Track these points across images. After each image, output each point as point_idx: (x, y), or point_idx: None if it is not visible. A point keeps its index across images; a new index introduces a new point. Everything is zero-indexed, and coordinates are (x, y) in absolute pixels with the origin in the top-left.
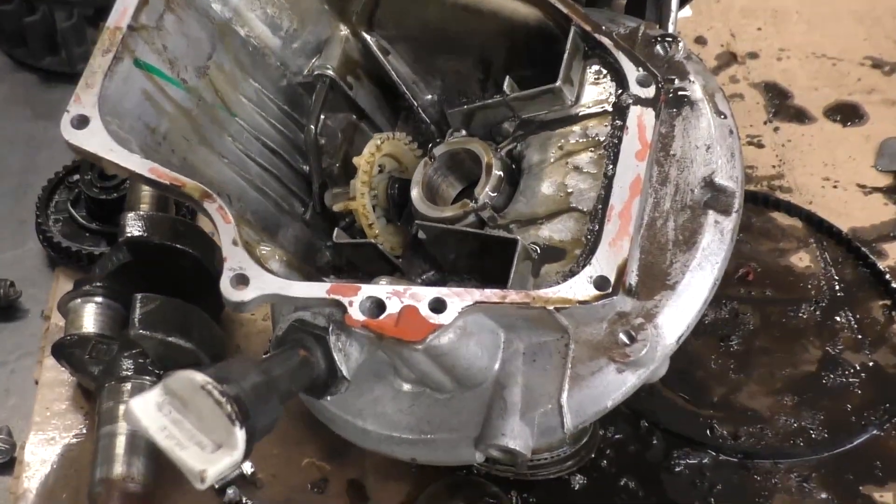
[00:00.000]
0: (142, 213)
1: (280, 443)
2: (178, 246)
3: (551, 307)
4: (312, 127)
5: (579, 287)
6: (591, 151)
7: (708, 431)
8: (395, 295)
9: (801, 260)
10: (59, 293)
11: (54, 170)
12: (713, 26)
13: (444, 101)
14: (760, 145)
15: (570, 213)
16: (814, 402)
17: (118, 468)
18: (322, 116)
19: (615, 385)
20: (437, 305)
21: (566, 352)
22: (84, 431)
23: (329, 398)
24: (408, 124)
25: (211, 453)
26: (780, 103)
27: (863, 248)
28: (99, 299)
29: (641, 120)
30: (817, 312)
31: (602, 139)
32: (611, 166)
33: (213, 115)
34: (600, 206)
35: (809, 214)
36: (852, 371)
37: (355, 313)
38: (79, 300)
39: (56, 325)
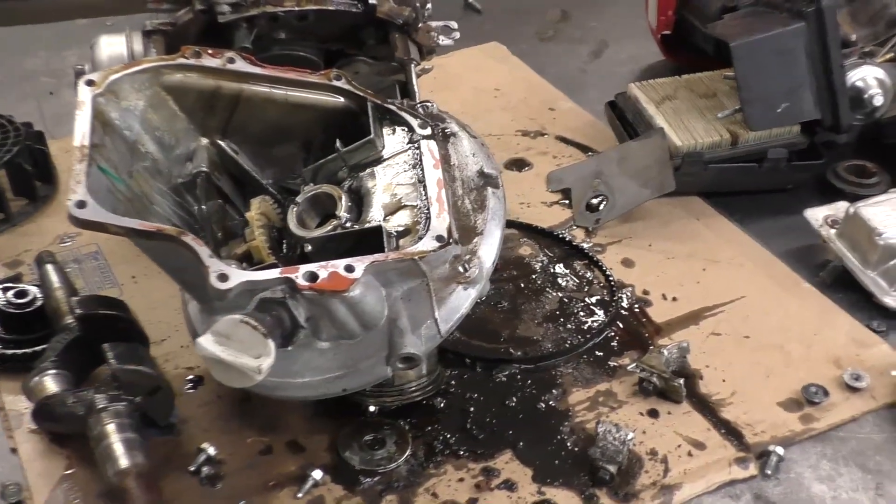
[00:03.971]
0: (81, 297)
1: (226, 432)
2: (117, 313)
3: (416, 258)
4: (204, 207)
5: (428, 244)
6: (405, 172)
7: (506, 351)
8: (321, 267)
9: (525, 250)
10: (3, 390)
11: None
12: None
13: (280, 181)
14: None
15: (404, 209)
16: (563, 323)
17: (123, 462)
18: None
19: (464, 298)
20: (349, 268)
21: (428, 288)
22: (72, 471)
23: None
24: None
25: (257, 358)
26: None
27: (559, 233)
28: (53, 371)
29: (430, 147)
30: (547, 277)
31: (409, 163)
32: (421, 173)
33: (142, 204)
34: (424, 199)
35: (519, 223)
36: (581, 301)
37: (301, 281)
38: (38, 378)
39: (11, 409)
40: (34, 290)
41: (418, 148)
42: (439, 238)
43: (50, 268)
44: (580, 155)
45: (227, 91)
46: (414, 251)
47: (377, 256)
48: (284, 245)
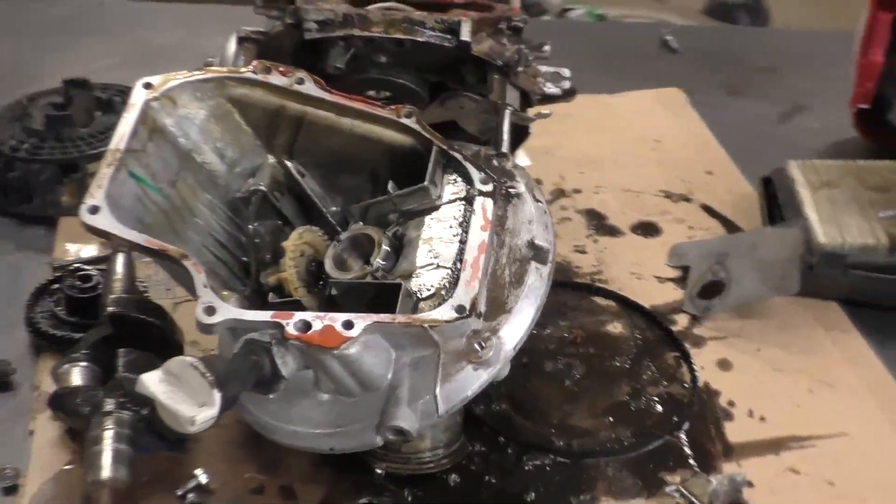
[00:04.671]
0: (119, 295)
1: (227, 461)
2: (148, 319)
3: (426, 325)
4: (251, 227)
5: (445, 312)
6: (451, 228)
7: (548, 441)
8: (318, 318)
9: (615, 328)
10: (45, 370)
11: (34, 285)
12: (547, 171)
13: (345, 210)
14: (584, 252)
15: (436, 268)
16: (625, 421)
17: (104, 472)
18: (256, 223)
19: (473, 379)
20: (348, 324)
21: (438, 359)
22: (71, 467)
23: (269, 414)
24: (318, 226)
25: (198, 408)
26: (598, 223)
27: (658, 318)
28: (84, 363)
29: (484, 205)
30: (627, 362)
31: (458, 219)
32: (464, 234)
33: (181, 216)
34: (458, 260)
35: (620, 297)
36: (653, 398)
37: (291, 330)
38: (67, 366)
39: (44, 391)
40: (98, 277)
41: (472, 203)
42: (459, 308)
43: (119, 258)
44: (720, 231)
45: (290, 112)
46: (426, 318)
47: (383, 317)
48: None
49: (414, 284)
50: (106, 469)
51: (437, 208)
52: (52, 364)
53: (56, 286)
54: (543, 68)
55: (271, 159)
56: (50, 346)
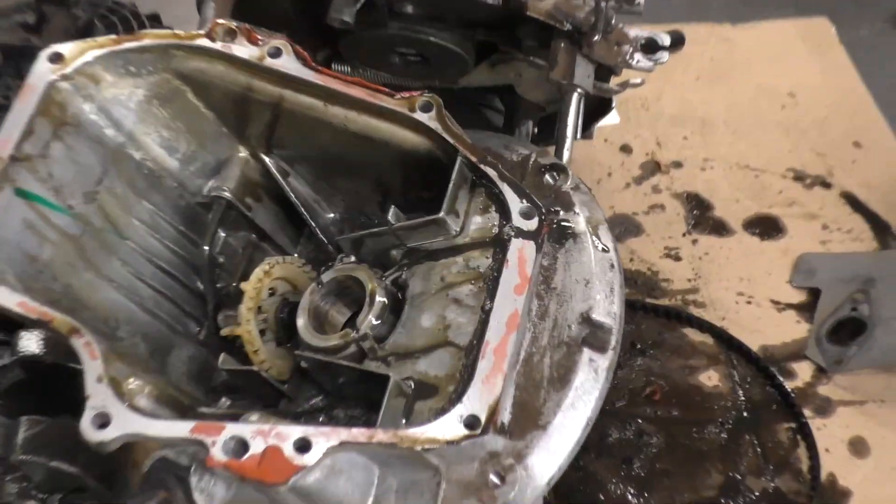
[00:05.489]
0: (37, 331)
1: None
2: (73, 365)
3: (419, 447)
4: (206, 248)
5: (449, 426)
6: (472, 284)
7: None
8: (259, 434)
9: (710, 378)
10: None
11: None
12: (640, 134)
13: (347, 219)
14: (678, 258)
15: (446, 347)
16: None
17: None
18: (223, 234)
19: None
20: (303, 445)
21: (437, 491)
22: None
23: None
24: (311, 241)
25: None
26: (701, 214)
27: (771, 368)
28: None
29: (522, 253)
30: (722, 434)
31: (483, 271)
32: (490, 299)
33: (101, 240)
34: (476, 342)
35: (721, 331)
36: (753, 498)
37: (217, 454)
38: None
39: None
40: None
41: (506, 249)
42: (470, 421)
43: None
44: (867, 234)
45: (260, 96)
46: (419, 436)
47: (357, 433)
48: None
49: (411, 370)
50: None
51: (456, 250)
52: None
53: None
54: (633, 31)
55: (243, 152)
56: None
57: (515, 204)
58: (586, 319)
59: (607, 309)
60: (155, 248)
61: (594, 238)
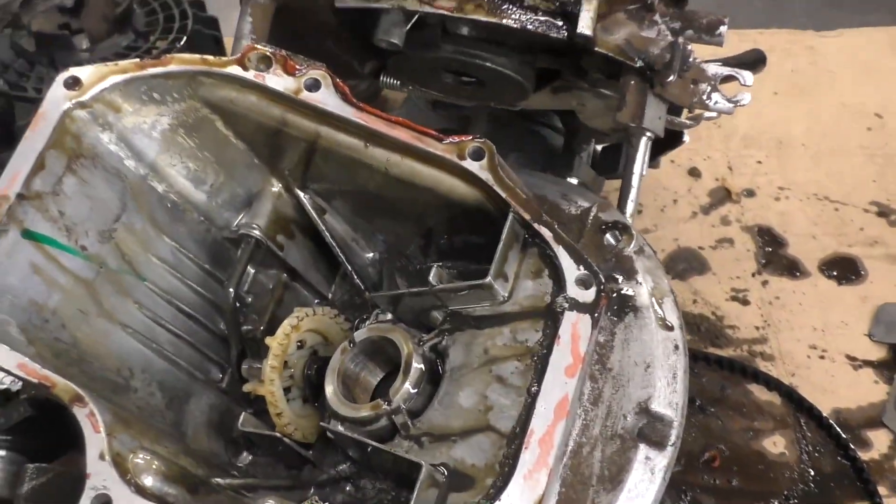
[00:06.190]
0: None
1: None
2: None
3: None
4: (231, 290)
5: None
6: (518, 360)
7: None
8: None
9: (776, 445)
10: None
11: None
12: (710, 156)
13: (386, 260)
14: (746, 301)
15: (486, 432)
16: None
17: None
18: (252, 271)
19: None
20: None
21: None
22: None
23: None
24: (346, 282)
25: None
26: (773, 252)
27: (844, 436)
28: (1, 453)
29: (576, 329)
30: None
31: (531, 346)
32: (537, 379)
33: (116, 282)
34: (519, 429)
35: (790, 391)
36: None
37: None
38: None
39: None
40: None
41: (558, 323)
42: None
43: None
44: None
45: (295, 132)
46: None
47: None
48: None
49: (447, 456)
50: None
51: (503, 319)
52: None
53: None
54: (712, 68)
55: (276, 186)
56: None
57: (572, 271)
58: (644, 410)
59: (669, 399)
60: (175, 289)
61: (658, 312)
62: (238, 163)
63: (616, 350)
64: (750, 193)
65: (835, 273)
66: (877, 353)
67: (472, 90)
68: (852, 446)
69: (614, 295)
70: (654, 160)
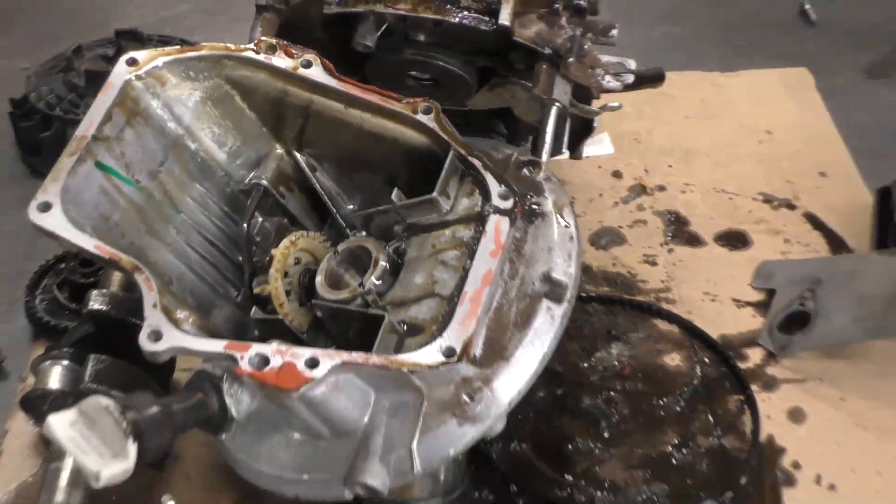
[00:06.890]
0: (104, 291)
1: (204, 487)
2: (133, 320)
3: (405, 369)
4: (246, 226)
5: (430, 355)
6: (457, 250)
7: (568, 497)
8: (278, 353)
9: (673, 360)
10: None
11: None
12: (631, 162)
13: (363, 209)
14: (654, 263)
15: (433, 297)
16: (663, 477)
17: (59, 497)
18: (259, 218)
19: (457, 436)
20: (312, 362)
21: (420, 408)
22: (29, 479)
23: (235, 445)
24: (333, 228)
25: (107, 460)
26: (678, 228)
27: (727, 352)
28: (64, 362)
29: (499, 226)
30: (680, 404)
31: (466, 240)
32: (469, 262)
33: (160, 211)
34: (456, 293)
35: (686, 322)
36: (701, 452)
37: (244, 366)
38: (47, 363)
39: (30, 385)
40: None
41: (485, 223)
42: (448, 351)
43: None
44: (823, 248)
45: (294, 100)
46: (406, 361)
47: (355, 356)
48: None
49: (404, 315)
50: (60, 493)
51: (446, 224)
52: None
53: (62, 265)
54: (605, 58)
55: (279, 149)
56: (43, 335)
57: (495, 188)
58: (547, 278)
59: (565, 270)
60: (204, 223)
61: (559, 217)
62: (250, 130)
63: (528, 242)
64: (661, 188)
65: (726, 242)
66: (756, 296)
67: (429, 91)
68: (733, 359)
69: (527, 207)
70: (575, 150)
